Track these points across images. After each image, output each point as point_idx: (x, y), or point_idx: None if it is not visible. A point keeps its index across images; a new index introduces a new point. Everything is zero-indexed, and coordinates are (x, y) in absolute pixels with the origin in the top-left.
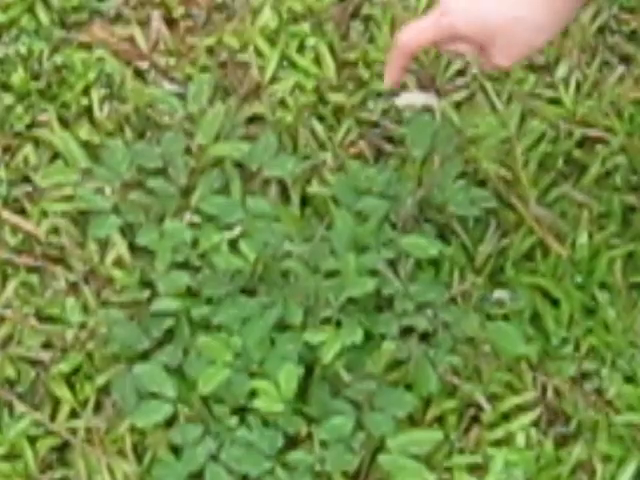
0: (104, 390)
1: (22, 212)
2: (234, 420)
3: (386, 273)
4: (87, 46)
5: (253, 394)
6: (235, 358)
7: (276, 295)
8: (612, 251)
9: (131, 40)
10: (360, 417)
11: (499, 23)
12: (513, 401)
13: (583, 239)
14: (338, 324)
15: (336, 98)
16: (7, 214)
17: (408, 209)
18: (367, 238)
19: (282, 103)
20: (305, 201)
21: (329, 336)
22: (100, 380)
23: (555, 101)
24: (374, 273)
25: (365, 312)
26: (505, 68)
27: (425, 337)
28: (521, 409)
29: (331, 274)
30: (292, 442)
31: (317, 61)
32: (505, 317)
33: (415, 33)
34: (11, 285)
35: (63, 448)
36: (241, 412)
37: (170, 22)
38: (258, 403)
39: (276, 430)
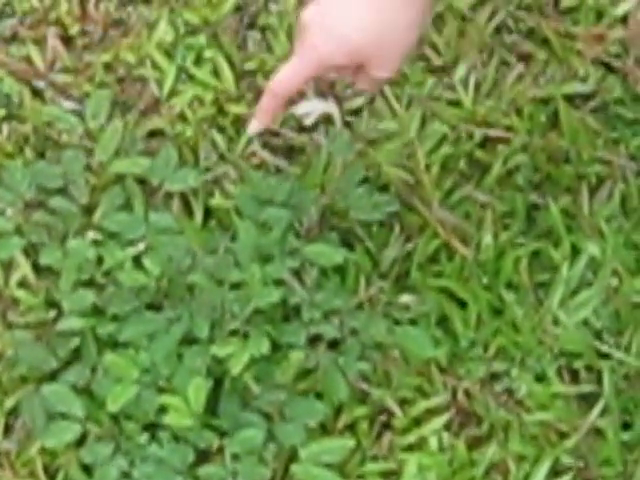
0: (13, 412)
1: None
2: (144, 437)
3: (291, 282)
4: None
5: (163, 410)
6: (143, 374)
7: (182, 309)
8: (517, 250)
9: (28, 59)
10: (271, 428)
11: (367, 37)
12: (424, 405)
13: (488, 239)
14: (245, 336)
15: (236, 109)
16: None
17: (311, 217)
18: (271, 248)
19: (181, 116)
20: (208, 214)
21: (236, 348)
22: (9, 403)
23: (455, 102)
24: (279, 283)
25: (272, 322)
26: (390, 78)
27: (333, 345)
28: (432, 413)
29: (236, 286)
30: (204, 456)
31: (215, 73)
32: (413, 321)
33: (287, 78)
34: None
35: None
36: (151, 428)
37: (66, 40)
38: (168, 419)
39: (187, 445)
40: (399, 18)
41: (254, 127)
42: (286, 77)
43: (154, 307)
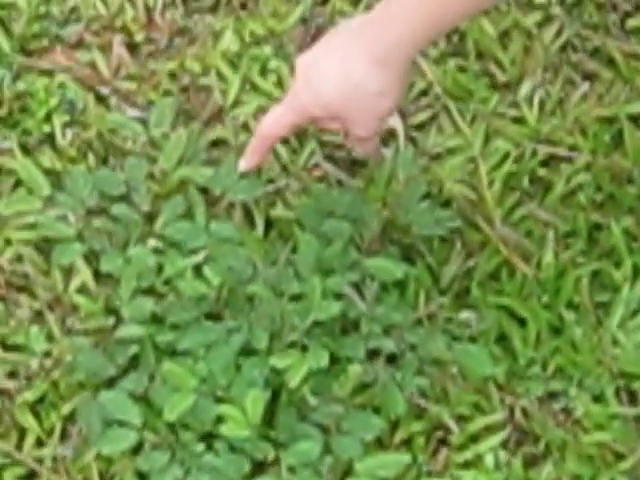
0: (70, 418)
1: None
2: (201, 446)
3: (351, 296)
4: (49, 72)
5: (219, 420)
6: (201, 384)
7: (241, 320)
8: (578, 270)
9: (93, 66)
10: (327, 441)
11: (338, 97)
12: (481, 422)
13: (549, 258)
14: (304, 348)
15: None
16: None
17: (373, 231)
18: (332, 261)
19: (245, 127)
20: (269, 225)
21: (295, 360)
22: (66, 408)
23: (519, 120)
24: (339, 296)
25: (331, 335)
26: (366, 139)
27: (392, 359)
28: (489, 430)
29: (296, 298)
30: (259, 467)
31: (279, 84)
32: (472, 338)
33: (273, 122)
34: None
35: (30, 477)
36: (208, 438)
37: (132, 47)
38: (224, 429)
39: (243, 455)
40: (369, 83)
41: (242, 166)
42: (272, 121)
43: (213, 317)
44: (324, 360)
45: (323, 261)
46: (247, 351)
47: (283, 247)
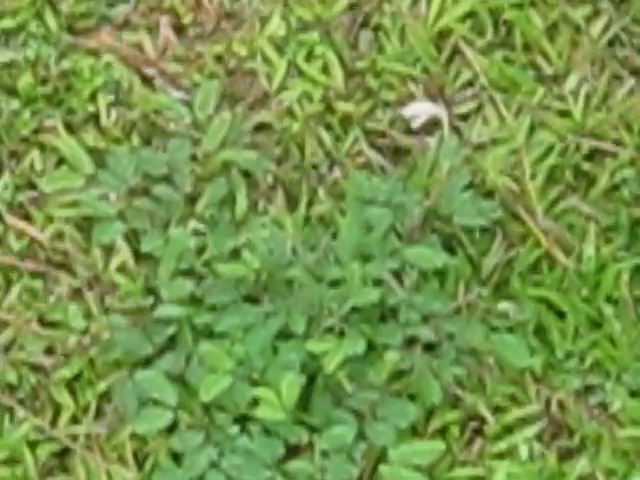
0: (105, 396)
1: (27, 217)
2: (235, 428)
3: (391, 283)
4: (95, 52)
5: (255, 402)
6: (237, 366)
7: (279, 304)
8: (619, 264)
9: (139, 46)
10: (362, 427)
11: None
12: (517, 414)
13: (590, 252)
14: (341, 334)
15: (344, 107)
16: (12, 219)
17: (414, 219)
18: (372, 248)
19: (289, 112)
20: (311, 210)
21: (332, 346)
22: (101, 386)
23: (564, 113)
24: (379, 283)
25: (369, 322)
26: None
27: (429, 348)
28: (525, 422)
29: (335, 283)
30: (293, 451)
31: (325, 70)
32: (510, 329)
33: None
34: (14, 290)
35: (63, 454)
36: (242, 420)
37: (178, 29)
38: (259, 411)
39: (277, 439)
40: None
41: None
42: None
43: (252, 300)
44: (361, 346)
45: (363, 248)
46: (284, 335)
47: (324, 232)
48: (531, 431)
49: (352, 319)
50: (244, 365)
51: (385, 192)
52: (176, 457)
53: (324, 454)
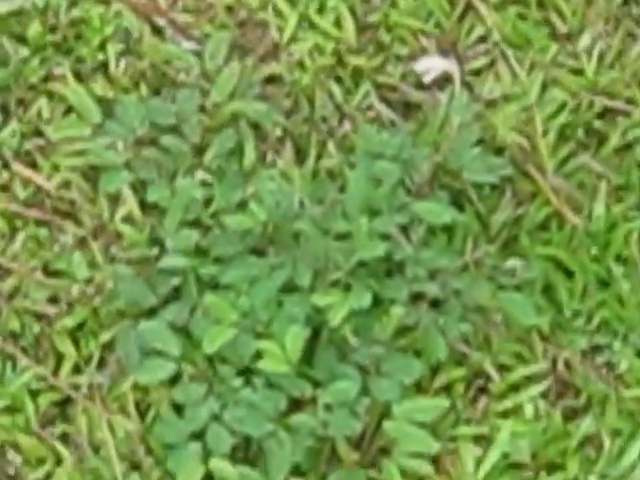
0: (108, 346)
1: (33, 165)
2: (238, 380)
3: (398, 238)
4: (105, 0)
5: (258, 355)
6: (241, 318)
7: (285, 256)
8: (629, 224)
9: None
10: (366, 382)
11: None
12: (522, 372)
13: (600, 210)
14: (347, 287)
15: (355, 61)
16: (18, 167)
17: (423, 174)
18: (380, 202)
19: (300, 64)
20: (319, 163)
21: (337, 299)
22: (105, 336)
23: (577, 71)
24: (386, 237)
25: (375, 276)
26: None
27: (435, 304)
28: (530, 380)
29: (342, 237)
30: (296, 405)
31: (337, 23)
32: (517, 287)
33: None
34: (19, 238)
35: (65, 403)
36: (245, 373)
37: None
38: (263, 364)
39: (280, 392)
40: None
41: None
42: None
43: (258, 252)
44: (366, 300)
45: (371, 202)
46: (289, 288)
47: (331, 186)
48: (537, 390)
49: (358, 273)
50: (248, 317)
51: (394, 146)
52: (178, 409)
53: (327, 408)
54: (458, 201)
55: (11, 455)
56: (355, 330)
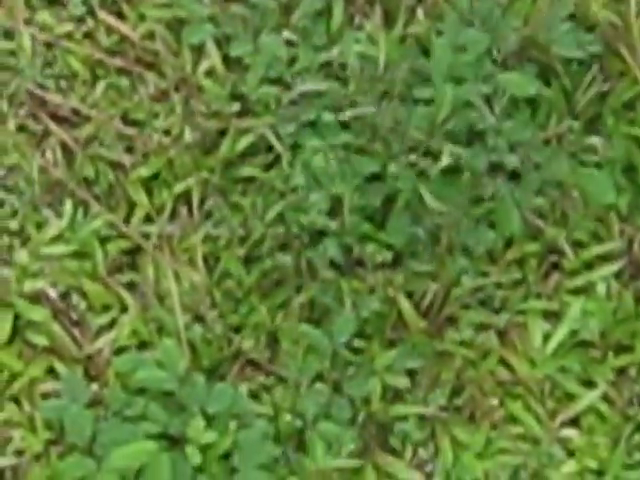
0: (181, 198)
1: (119, 14)
2: None
3: (481, 107)
4: None
5: None
6: None
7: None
8: None
9: None
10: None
11: None
12: (597, 250)
13: None
14: (426, 153)
15: None
16: (104, 14)
17: (511, 46)
18: (465, 70)
19: None
20: (407, 29)
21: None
22: (178, 187)
23: None
24: (468, 105)
25: (456, 142)
26: None
27: (513, 177)
28: (604, 259)
29: (425, 102)
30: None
31: None
32: (598, 165)
33: None
34: (100, 86)
35: (134, 252)
36: None
37: None
38: None
39: None
40: None
41: None
42: None
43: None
44: (443, 162)
45: (456, 69)
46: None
47: (418, 52)
48: (610, 269)
49: (438, 137)
50: None
51: (484, 16)
52: (247, 262)
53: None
54: (544, 75)
55: (75, 300)
56: (432, 192)
